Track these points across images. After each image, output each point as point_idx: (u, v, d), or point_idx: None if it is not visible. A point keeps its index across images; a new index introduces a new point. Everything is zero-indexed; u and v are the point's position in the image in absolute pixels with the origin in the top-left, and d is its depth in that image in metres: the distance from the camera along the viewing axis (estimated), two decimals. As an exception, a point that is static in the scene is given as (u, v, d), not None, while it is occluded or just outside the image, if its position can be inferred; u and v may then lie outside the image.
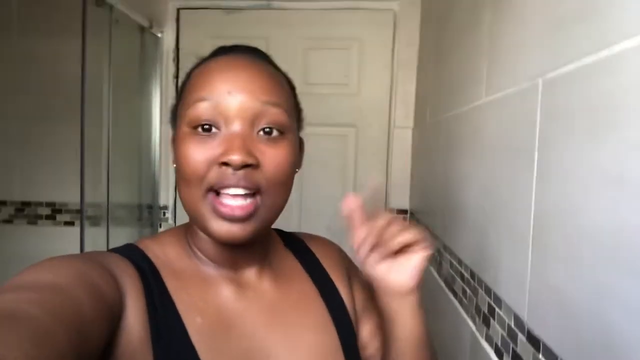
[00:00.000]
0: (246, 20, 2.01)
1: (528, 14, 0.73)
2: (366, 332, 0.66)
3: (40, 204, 2.01)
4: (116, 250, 0.54)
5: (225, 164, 0.49)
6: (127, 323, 0.46)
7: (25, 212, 2.02)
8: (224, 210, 0.49)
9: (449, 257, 1.17)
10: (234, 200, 0.50)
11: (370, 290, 0.70)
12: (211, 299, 0.54)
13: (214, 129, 0.51)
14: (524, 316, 0.68)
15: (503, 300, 0.77)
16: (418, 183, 1.78)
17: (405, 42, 1.93)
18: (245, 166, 0.49)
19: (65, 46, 1.87)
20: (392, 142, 1.97)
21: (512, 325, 0.72)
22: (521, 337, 0.68)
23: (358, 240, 0.55)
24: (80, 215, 1.73)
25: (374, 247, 0.55)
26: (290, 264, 0.65)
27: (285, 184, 0.54)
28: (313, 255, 0.68)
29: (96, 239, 1.75)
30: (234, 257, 0.57)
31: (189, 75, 0.57)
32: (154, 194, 2.07)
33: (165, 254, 0.56)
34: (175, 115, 0.56)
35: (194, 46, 2.00)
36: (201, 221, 0.52)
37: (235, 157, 0.48)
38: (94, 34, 1.64)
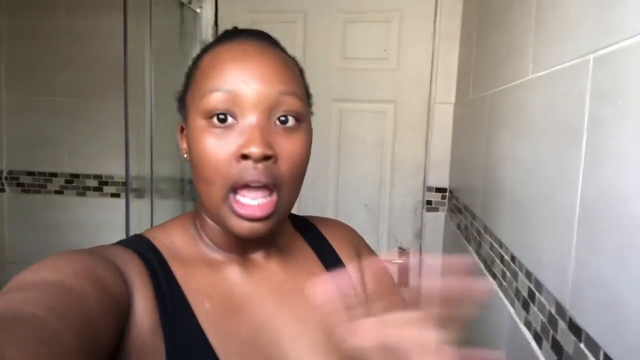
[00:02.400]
0: (284, -6, 1.98)
1: (582, -16, 0.68)
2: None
3: (88, 176, 2.10)
4: (123, 242, 0.55)
5: (245, 156, 0.48)
6: (135, 315, 0.47)
7: (74, 183, 2.11)
8: (244, 212, 0.50)
9: (489, 238, 1.14)
10: (254, 200, 0.50)
11: (384, 272, 0.68)
12: (219, 283, 0.55)
13: (229, 120, 0.50)
14: (566, 303, 0.66)
15: (544, 285, 0.74)
16: (458, 161, 1.73)
17: (448, 13, 1.85)
18: (265, 158, 0.49)
19: (109, 23, 1.91)
20: (432, 118, 1.91)
21: (553, 312, 0.70)
22: (562, 325, 0.66)
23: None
24: (125, 188, 1.79)
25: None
26: (299, 244, 0.65)
27: (300, 178, 0.54)
28: (322, 236, 0.68)
29: (141, 211, 1.82)
30: (244, 244, 0.58)
31: (196, 63, 0.56)
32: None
33: (172, 242, 0.56)
34: (184, 103, 0.56)
35: (233, 21, 1.99)
36: (222, 220, 0.52)
37: (255, 149, 0.48)
38: (134, 10, 1.66)
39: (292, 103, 0.51)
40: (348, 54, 1.95)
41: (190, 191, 2.15)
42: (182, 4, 1.96)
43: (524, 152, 0.90)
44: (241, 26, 0.60)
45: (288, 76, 0.52)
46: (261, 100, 0.50)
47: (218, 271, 0.56)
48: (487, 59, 1.31)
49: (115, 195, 2.09)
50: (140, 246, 0.54)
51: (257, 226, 0.51)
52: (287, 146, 0.51)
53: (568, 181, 0.67)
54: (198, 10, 2.03)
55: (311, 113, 0.59)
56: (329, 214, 1.96)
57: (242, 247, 0.58)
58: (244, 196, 0.50)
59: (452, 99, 1.88)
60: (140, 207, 1.82)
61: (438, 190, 1.91)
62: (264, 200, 0.50)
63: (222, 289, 0.55)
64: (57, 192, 2.11)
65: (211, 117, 0.50)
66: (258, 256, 0.59)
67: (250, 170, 0.48)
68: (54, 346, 0.33)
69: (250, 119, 0.50)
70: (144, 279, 0.50)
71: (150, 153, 1.81)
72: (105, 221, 2.05)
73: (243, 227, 0.51)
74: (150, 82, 1.79)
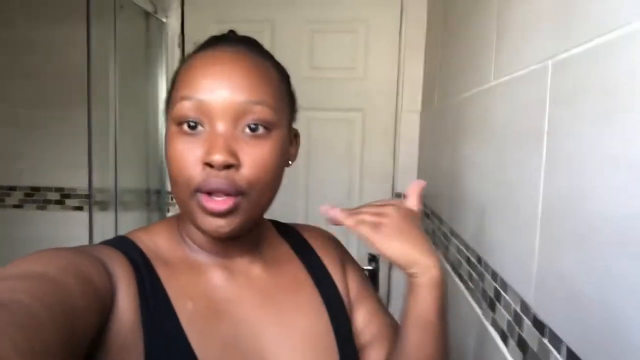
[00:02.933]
0: (251, 3, 1.99)
1: (538, -6, 0.71)
2: (361, 318, 0.66)
3: (49, 189, 2.03)
4: (107, 242, 0.55)
5: (209, 164, 0.49)
6: (118, 312, 0.47)
7: (35, 197, 2.04)
8: (208, 205, 0.50)
9: (455, 241, 1.16)
10: (218, 196, 0.51)
11: (365, 276, 0.72)
12: (202, 285, 0.55)
13: (198, 127, 0.51)
14: (530, 301, 0.67)
15: (509, 284, 0.76)
16: (425, 167, 1.77)
17: (413, 23, 1.89)
18: (227, 167, 0.49)
19: (71, 32, 1.87)
20: (399, 126, 1.95)
21: (518, 310, 0.72)
22: (527, 322, 0.68)
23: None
24: (88, 200, 1.74)
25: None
26: (283, 251, 0.66)
27: (268, 183, 0.54)
28: (307, 243, 0.69)
29: (105, 224, 1.77)
30: (225, 247, 0.58)
31: (178, 69, 0.57)
32: (162, 179, 2.08)
33: (156, 244, 0.57)
34: (167, 107, 0.57)
35: (199, 31, 1.98)
36: (190, 217, 0.53)
37: (217, 157, 0.48)
38: (98, 20, 1.63)
39: (260, 112, 0.52)
40: (316, 64, 1.97)
41: (157, 202, 2.11)
42: (147, 14, 1.94)
43: (487, 156, 0.92)
44: (207, 37, 0.60)
45: (259, 84, 0.52)
46: (227, 108, 0.50)
47: (201, 273, 0.56)
48: (451, 67, 1.34)
49: (78, 208, 2.03)
50: (125, 246, 0.54)
51: (221, 223, 0.51)
52: (253, 153, 0.51)
53: (530, 183, 0.69)
54: (164, 20, 2.01)
55: (294, 117, 0.60)
56: (299, 222, 1.96)
57: (224, 249, 0.58)
58: (210, 188, 0.51)
59: (419, 107, 1.92)
60: (104, 221, 1.77)
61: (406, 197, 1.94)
62: (230, 193, 0.51)
63: (205, 291, 0.55)
64: (15, 206, 2.03)
65: (181, 123, 0.51)
66: (242, 260, 0.59)
67: (213, 179, 0.49)
68: (33, 332, 0.33)
69: (216, 127, 0.51)
70: (128, 276, 0.50)
71: (114, 164, 1.78)
72: (68, 236, 1.98)
73: (210, 224, 0.51)
74: (115, 92, 1.76)
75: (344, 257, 0.71)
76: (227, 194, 0.50)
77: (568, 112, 0.59)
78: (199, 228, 0.53)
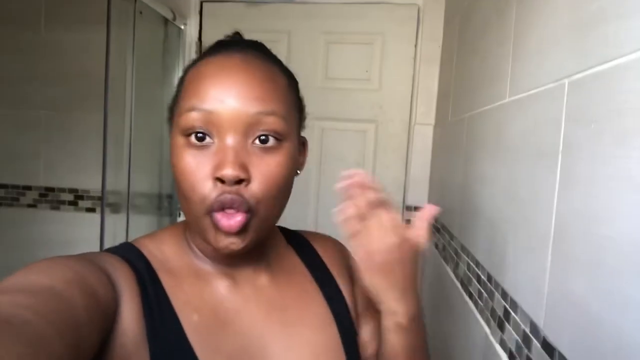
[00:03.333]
0: (268, 13, 2.01)
1: (554, 12, 0.71)
2: (367, 332, 0.65)
3: (63, 189, 2.05)
4: (112, 250, 0.54)
5: (220, 179, 0.48)
6: (122, 325, 0.46)
7: (49, 197, 2.06)
8: (223, 223, 0.49)
9: (466, 257, 1.15)
10: (232, 213, 0.49)
11: None
12: (207, 295, 0.54)
13: (207, 139, 0.50)
14: (540, 323, 0.66)
15: (519, 305, 0.75)
16: (437, 181, 1.75)
17: (429, 38, 1.90)
18: (238, 182, 0.48)
19: (90, 37, 1.90)
20: (412, 138, 1.94)
21: (528, 331, 0.71)
22: (536, 344, 0.67)
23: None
24: (101, 202, 1.76)
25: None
26: (291, 260, 0.64)
27: (277, 197, 0.52)
28: (315, 252, 0.67)
29: (116, 226, 1.79)
30: (232, 257, 0.57)
31: (184, 76, 0.55)
32: (173, 184, 2.10)
33: (162, 252, 0.56)
34: (171, 115, 0.55)
35: (217, 38, 2.00)
36: (202, 234, 0.52)
37: (228, 172, 0.47)
38: (118, 25, 1.66)
39: (271, 123, 0.50)
40: (330, 74, 1.98)
41: (168, 207, 2.12)
42: (166, 21, 1.97)
43: (500, 173, 0.91)
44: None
45: (269, 93, 0.50)
46: (238, 120, 0.49)
47: (207, 283, 0.55)
48: (466, 82, 1.34)
49: (91, 209, 2.05)
50: (130, 255, 0.53)
51: (234, 241, 0.50)
52: (263, 167, 0.50)
53: (543, 202, 0.68)
54: (182, 27, 2.04)
55: (303, 125, 0.59)
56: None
57: (231, 259, 0.57)
58: (223, 204, 0.50)
59: (432, 120, 1.91)
60: (115, 223, 1.79)
61: (417, 209, 1.93)
62: (242, 210, 0.50)
63: (211, 302, 0.54)
64: (30, 205, 2.06)
65: (189, 135, 0.50)
66: (248, 270, 0.58)
67: (225, 195, 0.48)
68: (40, 350, 0.33)
69: (226, 139, 0.49)
70: (132, 288, 0.49)
71: (128, 167, 1.79)
72: (80, 236, 2.00)
73: (222, 243, 0.50)
74: (131, 97, 1.78)
75: (353, 267, 0.70)
76: (238, 209, 0.49)
77: (584, 131, 0.58)
78: (210, 245, 0.52)
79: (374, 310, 0.66)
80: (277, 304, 0.58)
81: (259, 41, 0.59)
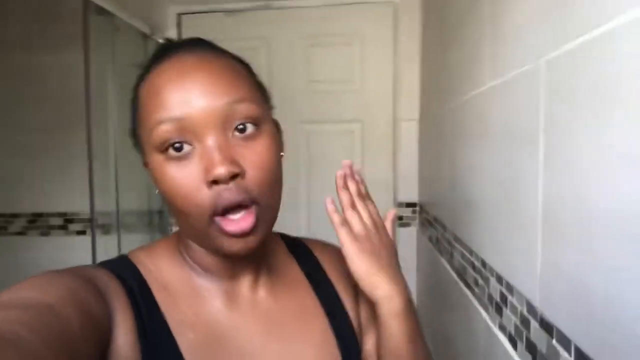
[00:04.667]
0: (247, 21, 2.01)
1: (527, -6, 0.71)
2: (370, 345, 0.62)
3: (52, 214, 2.03)
4: (107, 265, 0.52)
5: (214, 181, 0.46)
6: (116, 344, 0.45)
7: (38, 223, 2.04)
8: (233, 228, 0.47)
9: (460, 247, 1.15)
10: (237, 215, 0.48)
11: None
12: (203, 312, 0.53)
13: (186, 147, 0.47)
14: (537, 302, 0.66)
15: (515, 287, 0.75)
16: (426, 175, 1.76)
17: (407, 34, 1.91)
18: (233, 177, 0.46)
19: (68, 57, 1.89)
20: (398, 135, 1.95)
21: (525, 312, 0.70)
22: (534, 324, 0.67)
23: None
24: (91, 224, 1.74)
25: None
26: (292, 271, 0.62)
27: (275, 181, 0.51)
28: (318, 263, 0.65)
29: (108, 247, 1.77)
30: (232, 266, 0.55)
31: (136, 92, 0.52)
32: (163, 201, 2.08)
33: (157, 266, 0.54)
34: (138, 139, 0.52)
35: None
36: (212, 243, 0.49)
37: (221, 170, 0.45)
38: (96, 43, 1.65)
39: (244, 109, 0.48)
40: (312, 77, 1.99)
41: (159, 223, 2.10)
42: (145, 36, 1.96)
43: (486, 160, 0.92)
44: None
45: (233, 82, 0.49)
46: (211, 117, 0.46)
47: (202, 299, 0.54)
48: (446, 74, 1.35)
49: (82, 232, 2.03)
50: (124, 271, 0.51)
51: (246, 243, 0.48)
52: (252, 156, 0.48)
53: (529, 183, 0.69)
54: (161, 41, 2.03)
55: (271, 107, 0.56)
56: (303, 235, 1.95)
57: (231, 269, 0.55)
58: (226, 217, 0.48)
59: (416, 115, 1.92)
60: (107, 244, 1.77)
61: (408, 205, 1.93)
62: (246, 212, 0.48)
63: (207, 318, 0.52)
64: (18, 233, 2.03)
65: (166, 149, 0.47)
66: (246, 283, 0.56)
67: (225, 194, 0.46)
68: None
69: (206, 140, 0.47)
70: (126, 308, 0.47)
71: (115, 187, 1.78)
72: (72, 261, 1.93)
73: (235, 246, 0.48)
74: (114, 115, 1.77)
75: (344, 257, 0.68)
76: (243, 206, 0.47)
77: (563, 109, 0.59)
78: (223, 252, 0.49)
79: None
80: (275, 319, 0.56)
81: (200, 37, 0.56)
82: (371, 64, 1.96)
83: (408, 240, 1.93)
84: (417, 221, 1.92)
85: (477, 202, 0.99)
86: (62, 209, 2.03)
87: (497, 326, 0.84)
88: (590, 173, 0.52)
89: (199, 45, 0.52)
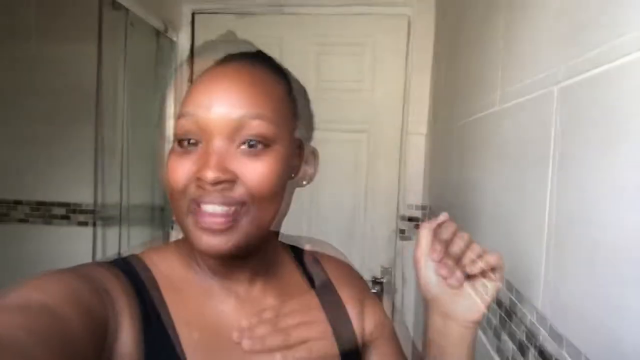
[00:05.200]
0: (259, 24, 2.02)
1: (543, 20, 0.72)
2: (376, 358, 0.64)
3: (55, 204, 2.04)
4: (117, 263, 0.53)
5: (201, 180, 0.48)
6: (119, 344, 0.46)
7: (41, 211, 2.04)
8: (203, 220, 0.49)
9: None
10: (214, 212, 0.49)
11: (385, 316, 0.69)
12: (209, 313, 0.54)
13: (194, 144, 0.50)
14: (547, 313, 0.67)
15: (524, 295, 0.76)
16: (431, 190, 1.77)
17: (419, 47, 1.92)
18: (220, 182, 0.48)
19: (82, 49, 1.90)
20: (405, 148, 1.96)
21: (535, 321, 0.71)
22: (543, 333, 0.67)
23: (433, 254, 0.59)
24: (93, 216, 1.75)
25: (446, 267, 0.57)
26: (297, 280, 0.64)
27: (271, 197, 0.51)
28: (325, 273, 0.66)
29: (109, 240, 1.77)
30: (229, 269, 0.56)
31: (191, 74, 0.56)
32: (166, 195, 2.08)
33: (167, 266, 0.55)
34: None
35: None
36: (186, 233, 0.52)
37: (209, 174, 0.47)
38: (109, 38, 1.66)
39: (257, 126, 0.50)
40: (322, 84, 1.99)
41: (161, 219, 2.11)
42: (158, 33, 1.97)
43: (493, 180, 0.93)
44: (217, 57, 0.58)
45: (257, 97, 0.51)
46: (222, 125, 0.49)
47: (209, 299, 0.55)
48: (457, 91, 1.36)
49: (83, 223, 2.03)
50: (135, 270, 0.53)
51: (215, 242, 0.49)
52: (251, 167, 0.49)
53: (536, 208, 0.70)
54: (175, 39, 2.04)
55: (310, 138, 0.59)
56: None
57: (229, 271, 0.56)
58: (205, 208, 0.49)
59: (424, 129, 1.93)
60: (108, 236, 1.77)
61: (411, 219, 1.94)
62: (223, 212, 0.49)
63: (212, 319, 0.54)
64: (21, 220, 2.04)
65: (181, 140, 0.51)
66: (252, 288, 0.58)
67: (208, 192, 0.48)
68: None
69: (211, 143, 0.50)
70: (131, 306, 0.48)
71: (120, 180, 1.78)
72: (72, 251, 1.98)
73: (202, 241, 0.49)
74: (124, 109, 1.78)
75: (364, 292, 0.69)
76: (222, 204, 0.48)
77: (574, 137, 0.60)
78: (195, 247, 0.51)
79: (389, 337, 0.66)
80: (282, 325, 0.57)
81: (261, 51, 0.59)
82: (381, 74, 1.97)
83: (411, 251, 1.93)
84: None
85: (482, 222, 1.00)
86: (66, 199, 2.03)
87: (507, 333, 0.84)
88: (599, 203, 0.53)
89: (255, 58, 0.56)
